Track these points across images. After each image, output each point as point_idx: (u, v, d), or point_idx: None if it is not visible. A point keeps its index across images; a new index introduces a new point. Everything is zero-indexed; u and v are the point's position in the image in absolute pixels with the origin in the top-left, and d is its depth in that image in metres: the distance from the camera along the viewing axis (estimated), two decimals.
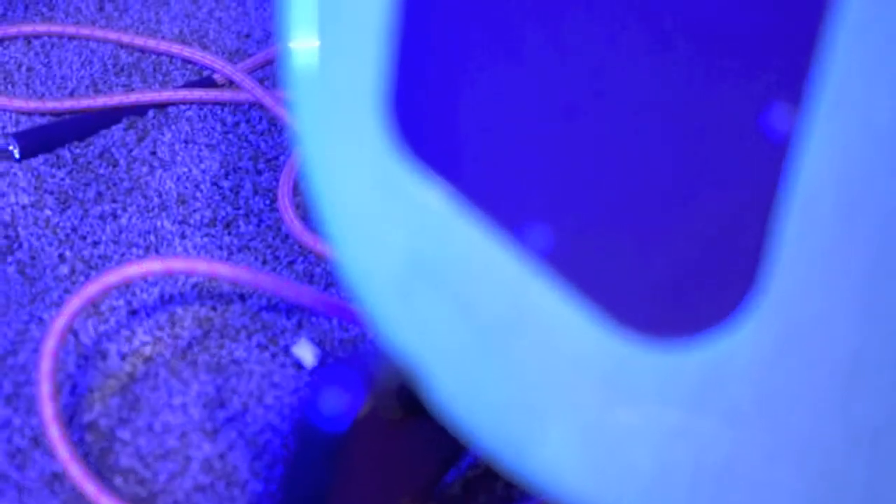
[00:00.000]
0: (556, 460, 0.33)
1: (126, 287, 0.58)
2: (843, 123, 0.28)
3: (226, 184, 0.67)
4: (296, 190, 0.66)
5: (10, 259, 0.59)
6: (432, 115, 0.34)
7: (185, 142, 0.70)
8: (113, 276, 0.50)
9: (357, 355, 0.37)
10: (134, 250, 0.61)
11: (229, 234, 0.63)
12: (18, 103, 0.71)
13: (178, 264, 0.50)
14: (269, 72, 0.79)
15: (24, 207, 0.63)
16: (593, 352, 0.32)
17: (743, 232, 0.30)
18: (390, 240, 0.35)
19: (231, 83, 0.76)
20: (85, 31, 0.79)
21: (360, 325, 0.51)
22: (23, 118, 0.71)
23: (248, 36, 0.83)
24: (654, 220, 0.31)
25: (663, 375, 0.31)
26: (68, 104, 0.71)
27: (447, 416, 0.35)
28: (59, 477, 0.48)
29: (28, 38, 0.79)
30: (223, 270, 0.50)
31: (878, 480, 0.30)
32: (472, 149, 0.34)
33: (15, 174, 0.65)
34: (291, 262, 0.61)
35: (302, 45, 0.36)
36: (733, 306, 0.30)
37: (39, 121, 0.71)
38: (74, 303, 0.49)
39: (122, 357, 0.54)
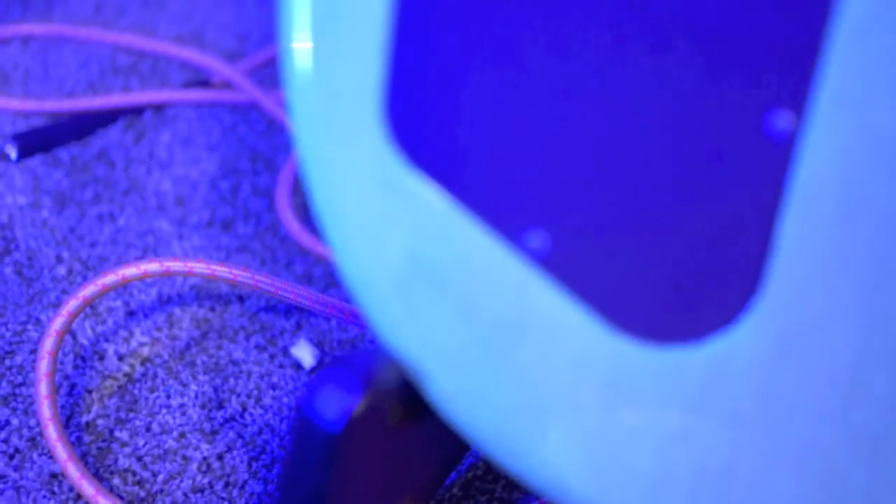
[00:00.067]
0: (557, 462, 0.33)
1: (124, 288, 0.58)
2: (845, 125, 0.28)
3: (224, 185, 0.67)
4: (294, 191, 0.66)
5: (7, 260, 0.59)
6: (430, 116, 0.34)
7: (183, 143, 0.70)
8: (111, 277, 0.50)
9: (355, 355, 0.37)
10: (132, 251, 0.61)
11: (227, 234, 0.63)
12: (16, 104, 0.71)
13: (176, 265, 0.50)
14: (267, 73, 0.79)
15: (21, 208, 0.63)
16: (594, 354, 0.32)
17: (744, 234, 0.30)
18: (390, 241, 0.35)
19: (229, 84, 0.76)
20: (83, 33, 0.79)
21: (360, 326, 0.51)
22: (20, 119, 0.71)
23: (245, 37, 0.83)
24: (655, 221, 0.31)
25: (664, 378, 0.31)
26: (66, 105, 0.71)
27: (448, 418, 0.35)
28: (57, 477, 0.48)
29: (26, 40, 0.79)
30: (221, 271, 0.50)
31: (878, 487, 0.30)
32: (471, 151, 0.34)
33: (12, 175, 0.65)
34: (290, 263, 0.61)
35: (301, 45, 0.36)
36: (734, 309, 0.30)
37: (37, 122, 0.71)
38: (72, 303, 0.49)
39: (120, 358, 0.54)
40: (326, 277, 0.60)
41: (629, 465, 0.32)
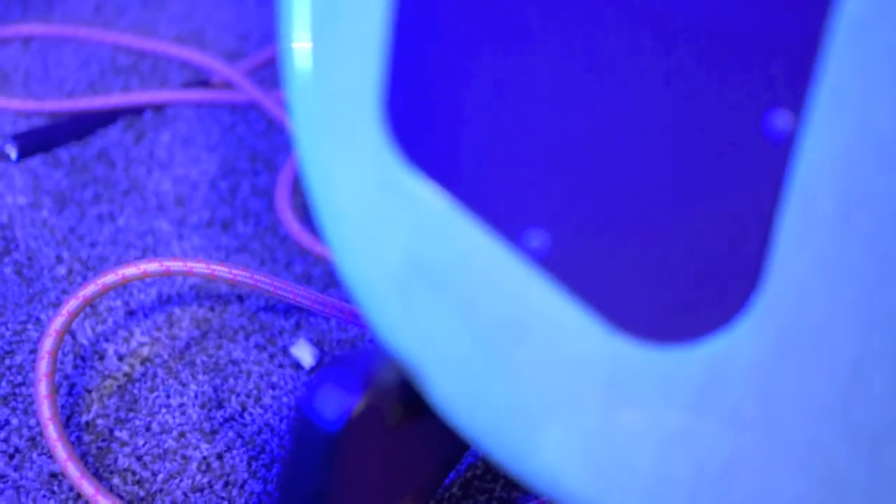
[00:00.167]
0: (557, 463, 0.33)
1: (124, 288, 0.58)
2: (843, 124, 0.28)
3: (223, 185, 0.67)
4: (294, 191, 0.66)
5: (7, 260, 0.59)
6: (429, 116, 0.34)
7: (183, 143, 0.70)
8: (111, 277, 0.50)
9: (355, 355, 0.37)
10: (131, 251, 0.61)
11: (227, 234, 0.63)
12: (16, 104, 0.71)
13: (175, 265, 0.50)
14: (267, 73, 0.79)
15: (21, 208, 0.63)
16: (594, 354, 0.32)
17: (743, 233, 0.30)
18: (389, 240, 0.35)
19: (229, 84, 0.76)
20: (83, 33, 0.79)
21: (359, 326, 0.51)
22: (20, 119, 0.71)
23: (245, 37, 0.83)
24: (654, 221, 0.31)
25: (664, 378, 0.31)
26: (66, 105, 0.71)
27: (447, 418, 0.35)
28: (57, 477, 0.48)
29: (26, 40, 0.79)
30: (221, 271, 0.50)
31: (879, 485, 0.30)
32: (471, 151, 0.34)
33: (12, 175, 0.65)
34: (289, 263, 0.61)
35: (301, 45, 0.36)
36: (734, 308, 0.30)
37: (37, 122, 0.71)
38: (72, 303, 0.49)
39: (120, 357, 0.54)
40: (326, 277, 0.60)
41: (629, 465, 0.32)
